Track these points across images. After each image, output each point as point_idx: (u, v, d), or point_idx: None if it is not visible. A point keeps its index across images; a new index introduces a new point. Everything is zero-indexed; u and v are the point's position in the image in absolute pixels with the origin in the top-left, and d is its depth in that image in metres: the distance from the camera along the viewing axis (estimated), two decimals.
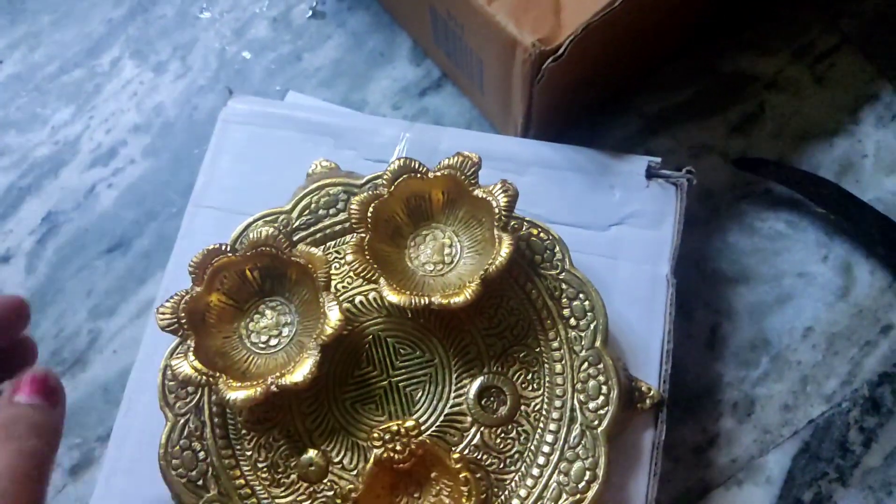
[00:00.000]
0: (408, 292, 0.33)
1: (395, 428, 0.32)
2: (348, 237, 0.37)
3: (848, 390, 0.42)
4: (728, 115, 0.48)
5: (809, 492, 0.40)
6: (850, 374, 0.42)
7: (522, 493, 0.33)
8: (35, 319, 0.46)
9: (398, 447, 0.32)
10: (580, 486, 0.33)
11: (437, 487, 0.33)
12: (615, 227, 0.39)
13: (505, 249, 0.33)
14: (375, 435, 0.32)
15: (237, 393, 0.32)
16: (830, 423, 0.41)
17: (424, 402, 0.35)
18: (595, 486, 0.33)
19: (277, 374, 0.32)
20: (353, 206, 0.35)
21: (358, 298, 0.36)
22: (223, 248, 0.35)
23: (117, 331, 0.45)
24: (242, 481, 0.34)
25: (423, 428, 0.34)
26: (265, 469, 0.34)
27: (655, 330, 0.37)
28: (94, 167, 0.49)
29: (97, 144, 0.49)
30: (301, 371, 0.32)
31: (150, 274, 0.46)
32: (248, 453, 0.34)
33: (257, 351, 0.35)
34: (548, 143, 0.41)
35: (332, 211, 0.38)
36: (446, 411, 0.34)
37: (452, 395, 0.35)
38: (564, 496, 0.33)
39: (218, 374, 0.32)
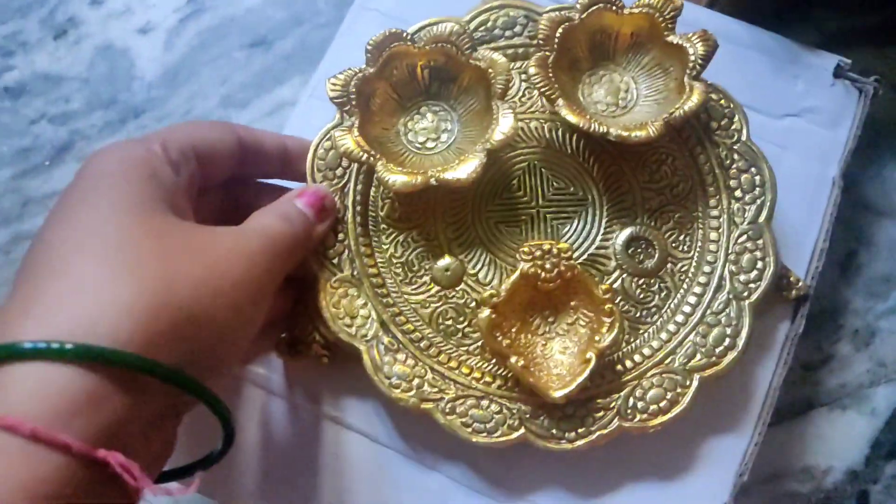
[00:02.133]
0: (588, 116, 0.32)
1: (547, 247, 0.31)
2: (520, 63, 0.36)
3: None
4: None
5: None
6: None
7: (655, 344, 0.32)
8: (165, 95, 0.45)
9: (547, 266, 0.31)
10: (717, 350, 0.32)
11: (575, 316, 0.32)
12: (790, 118, 0.37)
13: (696, 97, 0.32)
14: (525, 249, 0.31)
15: (397, 176, 0.31)
16: None
17: (570, 237, 0.34)
18: (732, 354, 0.32)
19: (440, 168, 0.32)
20: (542, 23, 0.34)
21: (519, 125, 0.35)
22: (404, 34, 0.33)
23: (247, 123, 0.44)
24: (375, 270, 0.33)
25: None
26: (399, 265, 0.33)
27: (812, 226, 0.36)
28: None
29: None
30: (466, 168, 0.31)
31: (287, 77, 0.45)
32: (385, 247, 0.33)
33: (413, 149, 0.34)
34: (737, 20, 0.39)
35: (507, 33, 0.36)
36: (591, 251, 0.33)
37: (599, 237, 0.34)
38: (699, 356, 0.32)
39: (379, 156, 0.32)
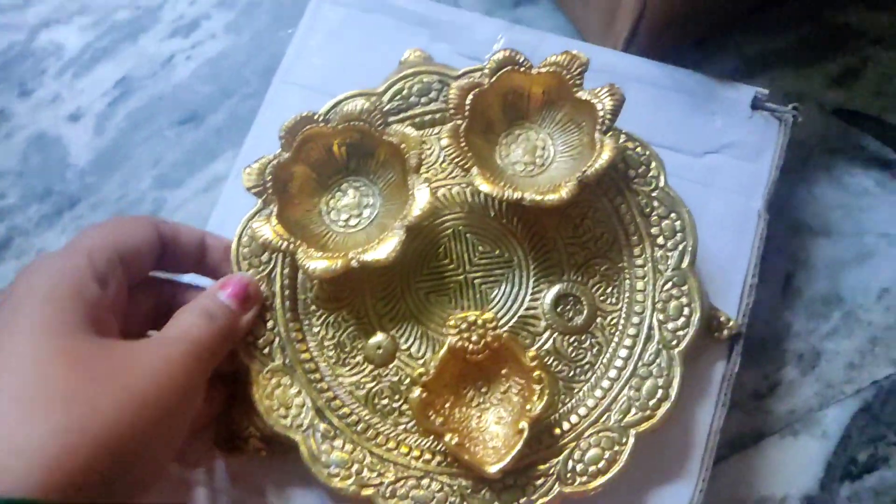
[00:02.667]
0: (501, 184, 0.32)
1: (472, 318, 0.32)
2: (438, 128, 0.36)
3: None
4: (829, 67, 0.46)
5: (865, 452, 0.39)
6: None
7: (590, 402, 0.32)
8: (98, 181, 0.45)
9: (474, 338, 0.31)
10: (651, 402, 0.32)
11: (507, 385, 0.32)
12: (711, 155, 0.38)
13: (606, 153, 0.32)
14: (452, 323, 0.32)
15: (317, 263, 0.31)
16: (895, 387, 0.40)
17: (499, 301, 0.34)
18: (666, 405, 0.32)
19: (360, 249, 0.32)
20: (452, 92, 0.34)
21: (441, 191, 0.35)
22: (315, 117, 0.34)
23: (182, 203, 0.44)
24: (308, 356, 0.33)
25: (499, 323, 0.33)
26: (331, 347, 0.33)
27: (740, 262, 0.36)
28: (174, 37, 0.47)
29: (179, 15, 0.48)
30: (385, 248, 0.31)
31: (220, 151, 0.45)
32: (316, 330, 0.34)
33: (336, 228, 0.34)
34: (651, 61, 0.39)
35: (423, 99, 0.37)
36: (520, 313, 0.34)
37: (528, 298, 0.34)
38: (634, 410, 0.32)
39: (298, 242, 0.32)
